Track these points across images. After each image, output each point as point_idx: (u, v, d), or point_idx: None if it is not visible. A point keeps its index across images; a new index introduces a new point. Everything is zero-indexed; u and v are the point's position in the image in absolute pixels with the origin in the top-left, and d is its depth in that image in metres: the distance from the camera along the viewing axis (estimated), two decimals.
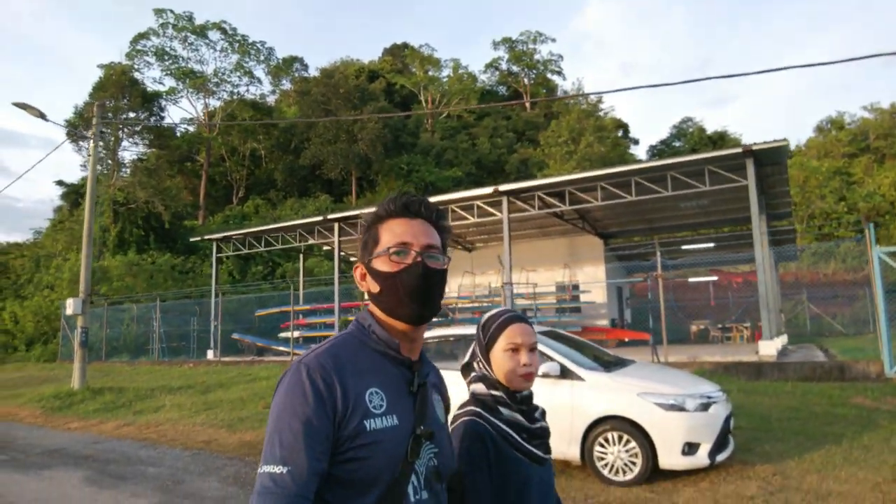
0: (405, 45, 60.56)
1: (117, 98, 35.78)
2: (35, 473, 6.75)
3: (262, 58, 46.62)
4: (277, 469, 1.07)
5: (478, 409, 1.58)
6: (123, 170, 37.34)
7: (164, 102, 41.02)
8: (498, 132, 50.73)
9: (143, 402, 11.44)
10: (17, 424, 10.48)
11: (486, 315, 1.68)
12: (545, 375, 5.50)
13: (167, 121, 40.66)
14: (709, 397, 5.31)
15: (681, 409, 5.11)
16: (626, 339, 18.80)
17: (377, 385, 1.20)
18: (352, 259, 25.18)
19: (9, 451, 8.12)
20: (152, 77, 41.03)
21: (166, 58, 42.48)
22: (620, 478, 5.21)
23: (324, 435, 1.11)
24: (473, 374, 1.67)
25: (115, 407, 11.13)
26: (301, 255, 25.20)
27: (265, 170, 46.47)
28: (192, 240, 24.48)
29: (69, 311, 13.30)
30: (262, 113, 44.68)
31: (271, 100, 50.66)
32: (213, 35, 44.05)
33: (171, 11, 42.46)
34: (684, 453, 5.05)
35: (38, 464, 7.22)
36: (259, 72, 49.11)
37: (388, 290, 1.24)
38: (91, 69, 36.88)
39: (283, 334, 20.47)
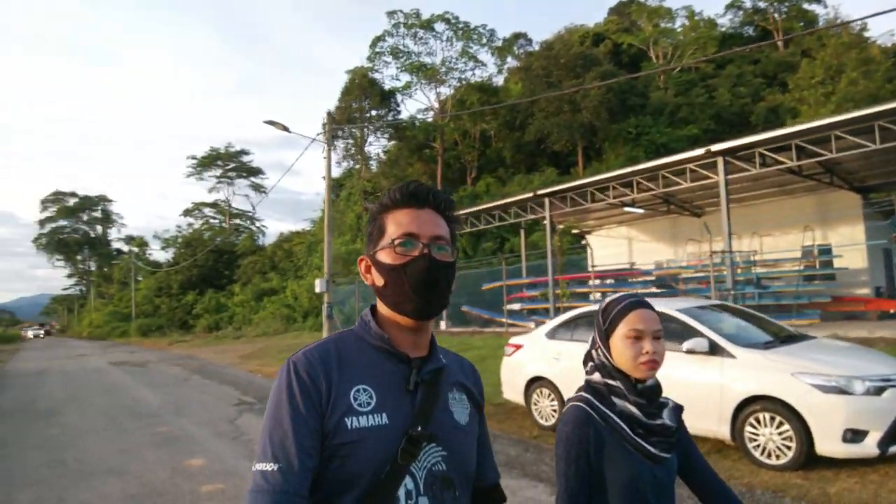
0: (632, 1, 57.44)
1: (360, 99, 40.54)
2: None
3: (484, 41, 48.44)
4: (269, 466, 1.06)
5: (587, 396, 1.52)
6: (371, 163, 42.22)
7: (400, 97, 45.21)
8: (743, 79, 45.56)
9: None
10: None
11: (607, 300, 1.59)
12: (691, 351, 5.33)
13: (404, 114, 44.78)
14: (887, 380, 4.64)
15: (843, 391, 4.58)
16: (893, 311, 15.97)
17: (368, 382, 1.16)
18: (573, 231, 25.34)
19: (263, 401, 10.28)
20: (390, 75, 45.23)
21: (400, 55, 46.62)
22: (773, 461, 4.87)
23: (312, 429, 1.09)
24: (591, 363, 1.59)
25: None
26: (522, 230, 26.09)
27: (494, 149, 48.47)
28: None
29: (317, 290, 15.92)
30: (488, 94, 46.58)
31: (498, 80, 52.45)
32: (439, 27, 47.03)
33: (401, 11, 46.37)
34: (846, 440, 4.53)
35: None
36: (484, 55, 51.11)
37: (393, 283, 1.17)
38: (342, 76, 42.91)
39: (509, 306, 21.61)
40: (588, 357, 1.61)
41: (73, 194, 72.22)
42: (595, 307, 6.71)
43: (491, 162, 48.31)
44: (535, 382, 7.06)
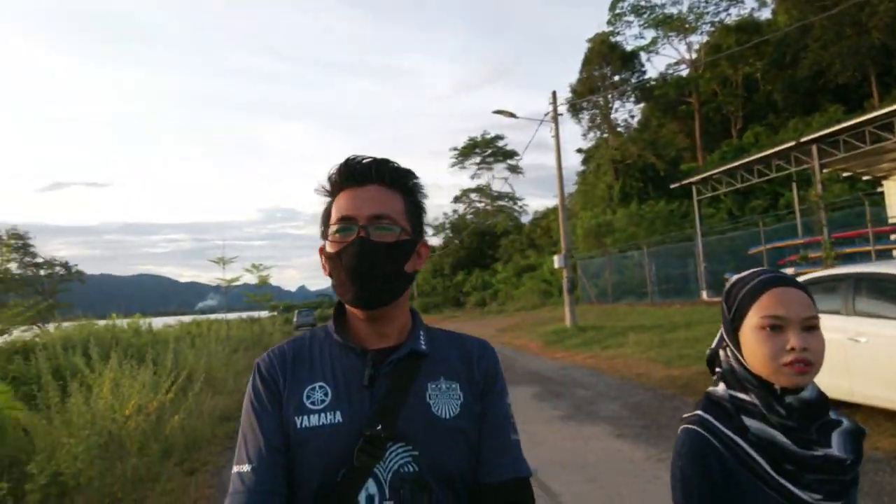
0: None
1: (601, 66, 39.46)
2: (508, 387, 9.29)
3: None
4: (244, 468, 1.06)
5: (705, 417, 1.11)
6: (619, 130, 40.94)
7: (645, 56, 42.81)
8: None
9: (614, 338, 13.32)
10: (523, 353, 13.88)
11: (733, 279, 1.19)
12: None
13: (650, 74, 42.34)
14: None
15: None
16: None
17: (325, 379, 1.10)
18: (864, 178, 21.52)
19: (507, 370, 11.07)
20: (633, 35, 43.17)
21: (642, 11, 44.06)
22: None
23: (277, 426, 1.08)
24: (718, 369, 1.18)
25: (591, 342, 13.38)
26: (794, 184, 22.96)
27: (762, 93, 42.99)
28: (671, 186, 25.41)
29: (556, 266, 16.35)
30: (748, 33, 41.44)
31: (762, 14, 46.20)
32: None
33: None
34: None
35: (514, 381, 9.82)
36: None
37: (333, 272, 1.12)
38: (582, 46, 42.05)
39: (784, 270, 19.30)
40: (713, 358, 1.20)
41: None
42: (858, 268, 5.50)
43: (759, 109, 42.94)
44: None
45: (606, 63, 40.21)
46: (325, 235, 1.15)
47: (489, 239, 51.44)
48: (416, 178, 1.17)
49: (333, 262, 1.11)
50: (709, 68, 42.22)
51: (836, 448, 1.05)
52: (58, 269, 46.80)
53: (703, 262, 21.17)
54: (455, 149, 61.60)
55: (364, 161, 1.12)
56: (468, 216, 59.39)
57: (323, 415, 1.07)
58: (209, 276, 18.28)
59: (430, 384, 1.12)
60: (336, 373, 1.11)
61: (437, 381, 1.12)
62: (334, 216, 1.12)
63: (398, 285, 1.11)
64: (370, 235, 1.07)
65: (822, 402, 1.09)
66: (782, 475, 1.03)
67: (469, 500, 1.10)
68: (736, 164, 20.22)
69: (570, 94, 41.14)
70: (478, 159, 62.76)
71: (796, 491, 1.02)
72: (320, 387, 1.10)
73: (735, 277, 1.17)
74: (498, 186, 60.53)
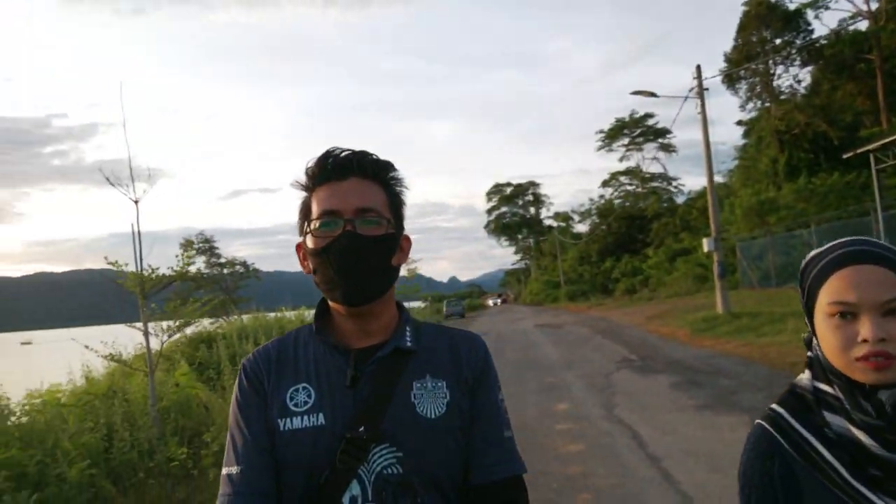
0: None
1: (760, 30, 36.09)
2: (646, 375, 9.13)
3: None
4: (234, 469, 1.05)
5: (779, 412, 1.00)
6: (783, 98, 37.28)
7: (811, 14, 38.44)
8: None
9: (771, 325, 12.39)
10: (670, 341, 13.39)
11: (811, 254, 1.00)
12: None
13: (819, 32, 37.95)
14: None
15: None
16: None
17: (309, 380, 1.09)
18: None
19: (647, 359, 10.89)
20: None
21: None
22: None
23: (263, 427, 1.08)
24: (809, 354, 1.02)
25: (744, 330, 12.56)
26: None
27: None
28: (845, 156, 22.66)
29: (705, 249, 15.46)
30: None
31: None
32: None
33: None
34: None
35: (654, 369, 9.59)
36: None
37: (320, 268, 1.08)
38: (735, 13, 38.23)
39: None
40: (810, 342, 1.02)
41: (509, 184, 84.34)
42: None
43: None
44: None
45: (766, 26, 36.69)
46: (303, 231, 1.11)
47: (639, 223, 49.38)
48: (395, 170, 1.14)
49: (318, 259, 1.07)
50: (893, 18, 36.89)
51: None
52: (238, 267, 52.45)
53: (884, 240, 18.78)
54: (601, 131, 59.68)
55: (343, 154, 1.10)
56: (617, 200, 57.43)
57: (306, 417, 1.05)
58: None
59: (416, 383, 1.08)
60: (319, 373, 1.09)
61: (422, 379, 1.09)
62: (316, 210, 1.08)
63: (386, 280, 1.10)
64: (357, 229, 1.04)
65: None
66: (863, 481, 0.89)
67: (459, 500, 1.07)
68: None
69: (724, 65, 38.23)
70: (626, 140, 60.27)
71: (875, 499, 0.87)
72: (303, 388, 1.08)
73: (813, 252, 0.99)
74: (649, 167, 57.84)
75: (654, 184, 58.57)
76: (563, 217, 72.88)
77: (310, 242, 1.09)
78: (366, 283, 1.06)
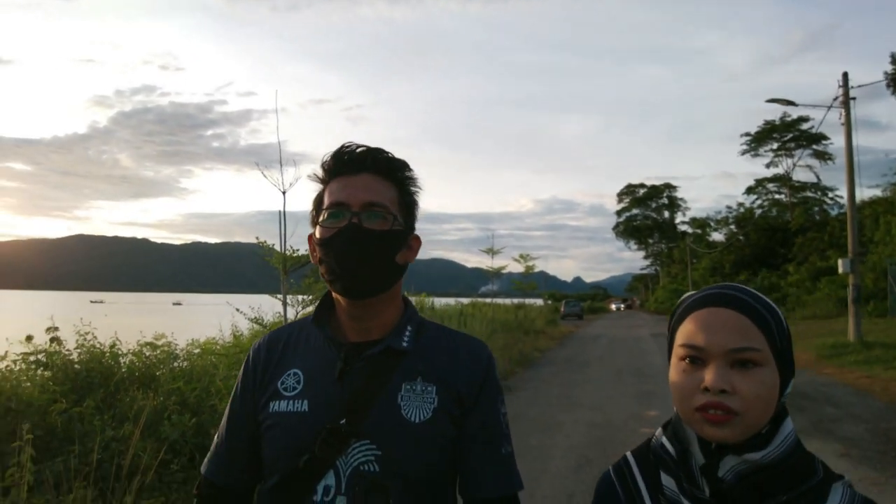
0: None
1: None
2: None
3: None
4: (219, 435, 1.17)
5: (628, 459, 0.96)
6: None
7: None
8: None
9: None
10: None
11: (685, 294, 0.95)
12: None
13: None
14: None
15: None
16: None
17: (302, 367, 1.11)
18: None
19: None
20: None
21: None
22: None
23: (244, 414, 1.14)
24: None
25: (873, 361, 11.73)
26: None
27: None
28: None
29: (840, 270, 14.47)
30: None
31: None
32: None
33: None
34: None
35: None
36: None
37: (323, 259, 1.09)
38: None
39: None
40: None
41: (643, 185, 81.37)
42: None
43: None
44: None
45: None
46: (315, 222, 1.12)
47: (781, 236, 45.94)
48: (410, 169, 1.15)
49: (324, 249, 1.08)
50: None
51: None
52: None
53: None
54: (748, 134, 55.88)
55: (358, 149, 1.11)
56: (759, 209, 53.68)
57: (291, 402, 1.07)
58: (493, 262, 20.42)
59: (406, 384, 1.07)
60: (313, 362, 1.11)
61: (413, 381, 1.07)
62: (326, 202, 1.10)
63: (389, 276, 1.09)
64: (362, 222, 1.05)
65: (783, 472, 0.80)
66: None
67: None
68: None
69: (890, 67, 34.47)
70: (775, 145, 56.02)
71: None
72: (294, 374, 1.10)
73: (687, 293, 0.94)
74: (802, 176, 53.39)
75: (807, 193, 54.04)
76: (700, 223, 69.24)
77: (317, 232, 1.10)
78: (366, 276, 1.06)
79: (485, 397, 1.10)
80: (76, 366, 5.85)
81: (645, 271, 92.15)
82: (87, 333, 6.56)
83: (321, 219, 1.10)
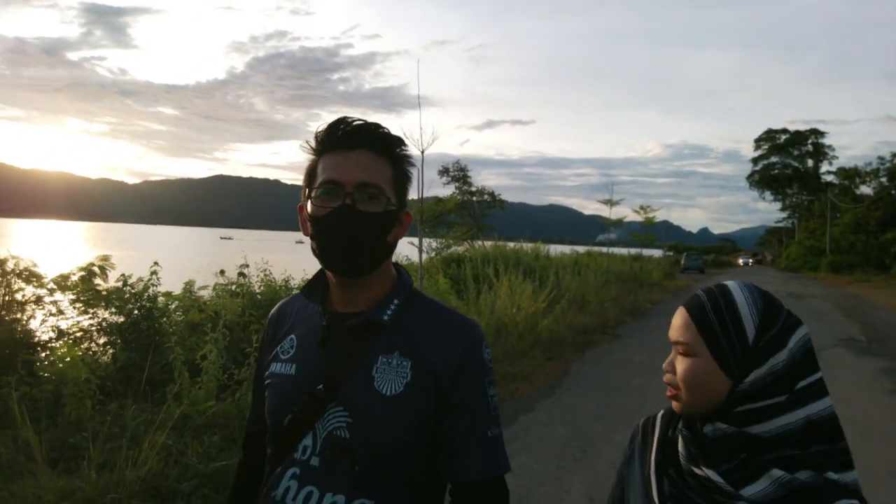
0: None
1: None
2: (861, 356, 9.17)
3: None
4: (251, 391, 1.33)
5: (658, 413, 1.19)
6: None
7: None
8: None
9: None
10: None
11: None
12: None
13: None
14: None
15: None
16: None
17: (297, 333, 1.18)
18: None
19: (874, 342, 10.55)
20: None
21: None
22: None
23: (260, 371, 1.25)
24: None
25: None
26: None
27: None
28: None
29: None
30: None
31: None
32: None
33: None
34: None
35: (874, 352, 9.48)
36: None
37: (316, 236, 1.09)
38: None
39: None
40: None
41: (785, 131, 75.03)
42: None
43: None
44: None
45: None
46: (307, 195, 1.11)
47: None
48: (405, 145, 1.15)
49: (315, 227, 1.09)
50: None
51: (755, 487, 0.93)
52: (486, 196, 56.26)
53: None
54: None
55: (354, 123, 1.10)
56: None
57: (284, 365, 1.14)
58: (612, 210, 20.57)
59: (383, 357, 1.09)
60: (306, 329, 1.16)
61: (390, 355, 1.09)
62: (320, 178, 1.09)
63: (378, 255, 1.11)
64: (356, 204, 1.05)
65: (750, 441, 0.95)
66: (655, 474, 1.07)
67: (405, 479, 1.08)
68: None
69: None
70: None
71: (654, 489, 1.05)
72: (291, 339, 1.17)
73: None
74: None
75: None
76: (847, 174, 63.16)
77: (309, 208, 1.10)
78: (357, 257, 1.07)
79: (466, 378, 1.09)
80: (258, 296, 7.36)
81: (780, 225, 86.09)
82: (264, 270, 8.10)
83: (314, 194, 1.09)
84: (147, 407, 4.26)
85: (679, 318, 1.03)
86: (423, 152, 8.03)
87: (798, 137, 75.42)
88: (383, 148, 1.10)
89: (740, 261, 72.33)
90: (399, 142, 1.14)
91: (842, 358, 9.00)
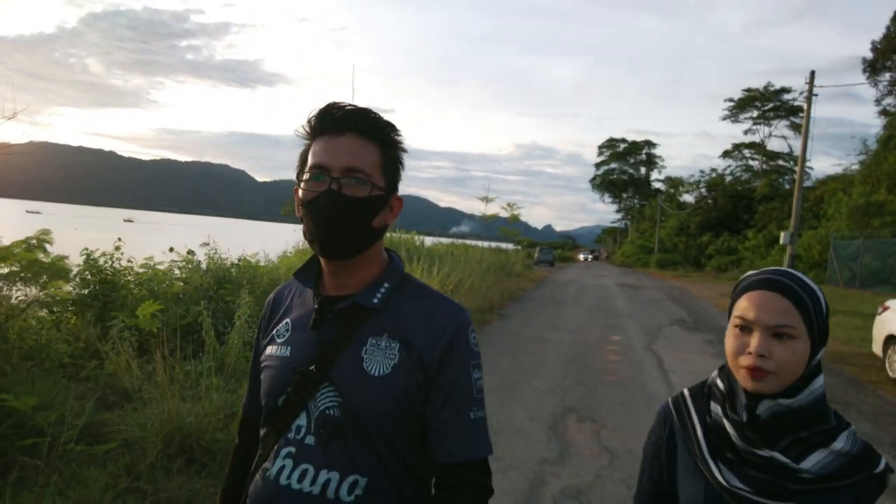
0: None
1: None
2: (689, 332, 11.67)
3: None
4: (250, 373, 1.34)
5: (684, 394, 1.23)
6: None
7: None
8: None
9: None
10: (723, 313, 15.45)
11: (746, 273, 1.18)
12: None
13: None
14: None
15: None
16: None
17: (292, 316, 1.21)
18: None
19: (698, 322, 13.30)
20: None
21: None
22: None
23: (257, 354, 1.29)
24: None
25: None
26: None
27: None
28: None
29: (781, 242, 17.09)
30: None
31: None
32: None
33: None
34: None
35: (699, 329, 12.06)
36: None
37: (304, 219, 1.13)
38: None
39: None
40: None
41: (623, 140, 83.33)
42: None
43: None
44: (891, 340, 8.06)
45: None
46: (299, 178, 1.15)
47: (746, 203, 48.97)
48: (395, 131, 1.15)
49: (304, 210, 1.12)
50: None
51: (812, 463, 1.04)
52: None
53: None
54: (731, 100, 57.62)
55: (345, 108, 1.11)
56: (730, 176, 56.37)
57: (279, 347, 1.19)
58: (465, 203, 22.35)
59: (372, 339, 1.12)
60: (299, 312, 1.21)
61: (379, 336, 1.12)
62: (309, 161, 1.12)
63: (364, 240, 1.13)
64: (342, 188, 1.07)
65: (806, 415, 1.06)
66: (718, 460, 1.11)
67: (396, 458, 1.11)
68: None
69: (871, 54, 36.74)
70: (755, 113, 57.84)
71: (717, 474, 1.09)
72: (286, 322, 1.22)
73: (747, 273, 1.18)
74: (777, 145, 55.55)
75: (780, 162, 56.40)
76: (675, 182, 71.44)
77: (300, 192, 1.13)
78: (342, 240, 1.10)
79: (452, 362, 1.11)
80: (207, 274, 7.92)
81: (615, 225, 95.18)
82: (214, 252, 8.62)
83: (303, 178, 1.12)
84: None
85: (777, 302, 1.06)
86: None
87: (634, 147, 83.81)
88: (372, 133, 1.12)
89: (581, 256, 79.39)
90: (389, 126, 1.14)
91: (677, 333, 11.43)
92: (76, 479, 3.01)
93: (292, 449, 1.11)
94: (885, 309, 8.44)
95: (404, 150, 1.18)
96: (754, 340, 1.05)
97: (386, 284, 1.16)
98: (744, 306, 1.09)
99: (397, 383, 1.09)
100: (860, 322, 12.97)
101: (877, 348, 8.52)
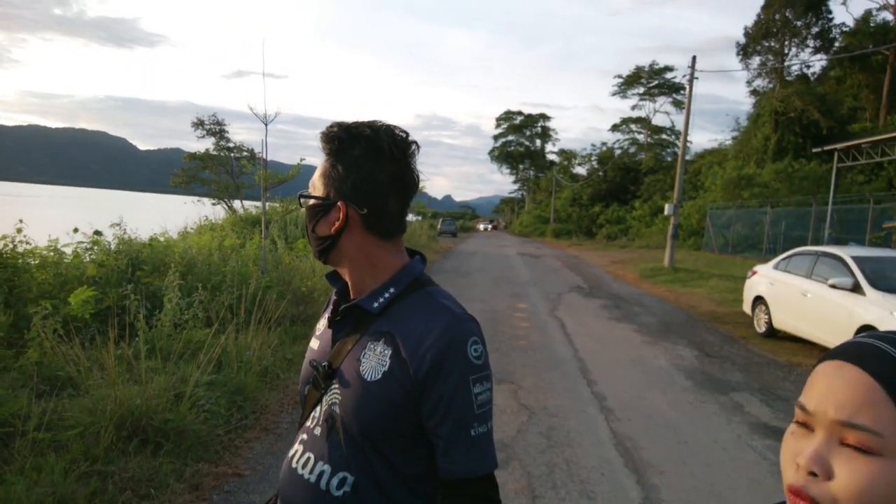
0: None
1: (782, 10, 37.71)
2: (587, 298, 12.62)
3: None
4: None
5: None
6: (788, 80, 39.38)
7: (831, 3, 39.78)
8: None
9: (697, 281, 15.79)
10: (618, 280, 16.83)
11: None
12: (834, 287, 7.17)
13: (841, 20, 39.46)
14: None
15: None
16: None
17: (327, 313, 1.30)
18: None
19: (594, 289, 14.34)
20: None
21: None
22: None
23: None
24: None
25: (676, 281, 15.97)
26: None
27: None
28: (814, 150, 25.51)
29: (665, 213, 18.64)
30: None
31: None
32: None
33: None
34: None
35: (595, 295, 13.06)
36: None
37: None
38: None
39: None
40: None
41: (520, 113, 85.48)
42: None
43: None
44: (758, 300, 9.27)
45: (788, 6, 38.24)
46: None
47: (633, 175, 52.14)
48: (343, 137, 1.12)
49: None
50: None
51: None
52: (245, 153, 54.26)
53: (828, 229, 22.01)
54: (619, 76, 60.66)
55: (323, 132, 1.16)
56: (619, 149, 59.64)
57: (314, 341, 1.28)
58: None
59: (371, 343, 1.13)
60: (329, 310, 1.29)
61: (376, 341, 1.13)
62: None
63: (317, 246, 1.18)
64: (302, 204, 1.20)
65: None
66: None
67: (383, 461, 1.11)
68: (886, 136, 20.41)
69: (743, 38, 40.00)
70: (641, 90, 61.30)
71: None
72: (324, 319, 1.29)
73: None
74: (661, 120, 59.10)
75: (663, 136, 60.32)
76: (568, 155, 74.36)
77: None
78: (313, 248, 1.22)
79: (444, 376, 1.06)
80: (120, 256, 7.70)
81: (513, 195, 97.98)
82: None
83: None
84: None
85: (844, 380, 0.60)
86: (266, 125, 8.92)
87: (529, 120, 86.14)
88: (324, 146, 1.15)
89: (480, 226, 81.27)
90: (334, 137, 1.13)
91: (576, 299, 12.35)
92: (33, 466, 3.07)
93: (305, 436, 1.19)
94: (754, 273, 9.68)
95: (353, 152, 1.12)
96: (810, 444, 0.62)
97: (391, 290, 1.16)
98: (807, 385, 0.66)
99: (386, 391, 1.08)
100: (733, 285, 14.55)
101: (746, 308, 9.75)
